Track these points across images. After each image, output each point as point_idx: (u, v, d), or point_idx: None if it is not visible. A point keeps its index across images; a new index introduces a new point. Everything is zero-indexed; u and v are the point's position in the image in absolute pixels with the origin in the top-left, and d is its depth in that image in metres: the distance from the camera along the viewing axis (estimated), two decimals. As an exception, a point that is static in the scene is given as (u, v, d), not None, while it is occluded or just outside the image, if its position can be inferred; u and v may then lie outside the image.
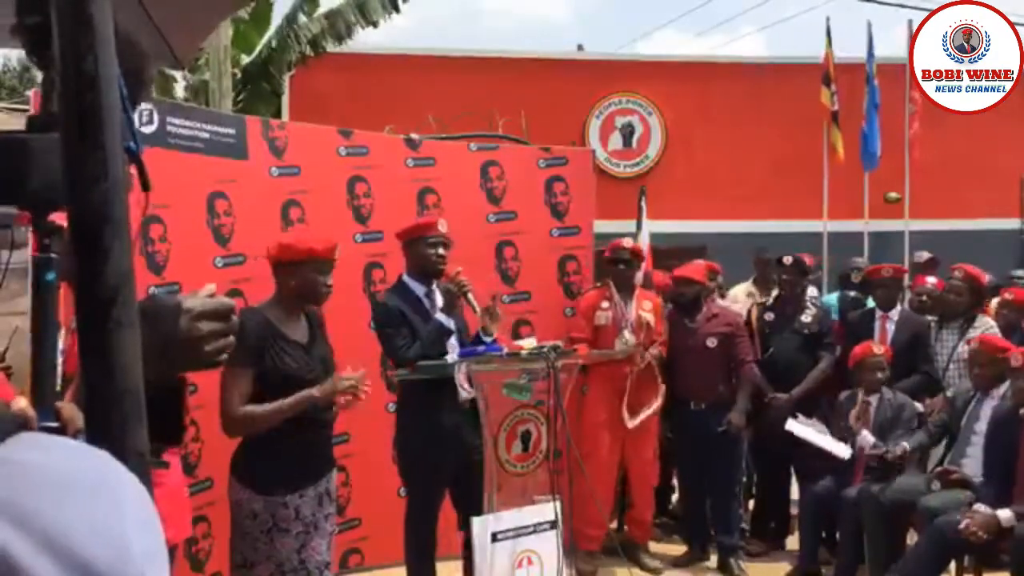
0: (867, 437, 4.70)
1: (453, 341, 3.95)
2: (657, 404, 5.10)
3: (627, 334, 5.04)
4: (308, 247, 3.19)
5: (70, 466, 0.54)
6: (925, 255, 6.82)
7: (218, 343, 1.14)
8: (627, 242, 5.23)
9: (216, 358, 1.15)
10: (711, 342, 5.18)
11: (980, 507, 4.11)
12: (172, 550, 2.93)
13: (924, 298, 5.63)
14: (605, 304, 5.11)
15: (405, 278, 4.03)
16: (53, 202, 0.90)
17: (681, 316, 5.29)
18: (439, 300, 3.98)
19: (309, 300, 3.23)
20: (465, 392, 3.71)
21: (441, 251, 3.96)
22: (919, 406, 4.97)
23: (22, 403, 1.33)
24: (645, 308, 5.15)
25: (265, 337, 3.07)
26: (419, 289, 3.99)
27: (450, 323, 3.88)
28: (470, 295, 3.89)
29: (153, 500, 0.60)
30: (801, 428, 4.90)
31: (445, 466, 3.87)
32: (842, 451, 4.72)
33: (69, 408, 0.97)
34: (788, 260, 5.53)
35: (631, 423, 5.00)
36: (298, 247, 3.19)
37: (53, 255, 0.95)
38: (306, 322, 3.24)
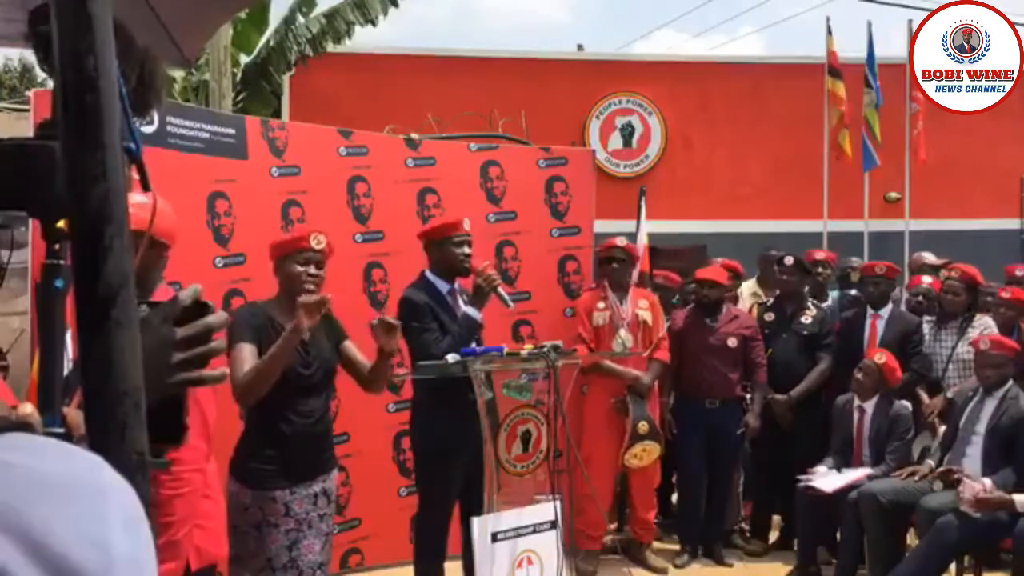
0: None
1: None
2: (659, 451, 5.11)
3: (623, 332, 5.05)
4: (282, 239, 3.23)
5: (56, 468, 0.53)
6: (934, 259, 6.49)
7: (194, 350, 1.01)
8: (620, 241, 5.24)
9: (191, 372, 1.01)
10: (732, 342, 5.23)
11: (988, 483, 4.12)
12: (214, 567, 2.92)
13: (920, 298, 5.62)
14: (601, 305, 5.13)
15: (428, 275, 3.99)
16: (62, 209, 0.90)
17: (701, 315, 5.32)
18: (460, 297, 4.00)
19: (296, 291, 3.15)
20: (487, 393, 3.68)
21: (467, 250, 3.96)
22: (906, 404, 4.97)
23: (28, 408, 1.33)
24: (641, 307, 5.18)
25: (262, 325, 3.09)
26: (443, 286, 3.96)
27: (479, 317, 3.89)
28: (500, 290, 3.91)
29: (148, 502, 0.59)
30: (822, 482, 4.78)
31: (459, 465, 3.85)
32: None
33: (75, 414, 0.97)
34: (789, 260, 5.53)
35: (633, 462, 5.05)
36: (276, 241, 3.25)
37: (61, 261, 0.95)
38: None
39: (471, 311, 3.87)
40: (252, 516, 3.05)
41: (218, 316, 1.05)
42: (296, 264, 3.16)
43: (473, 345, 3.81)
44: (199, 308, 1.05)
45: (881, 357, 4.90)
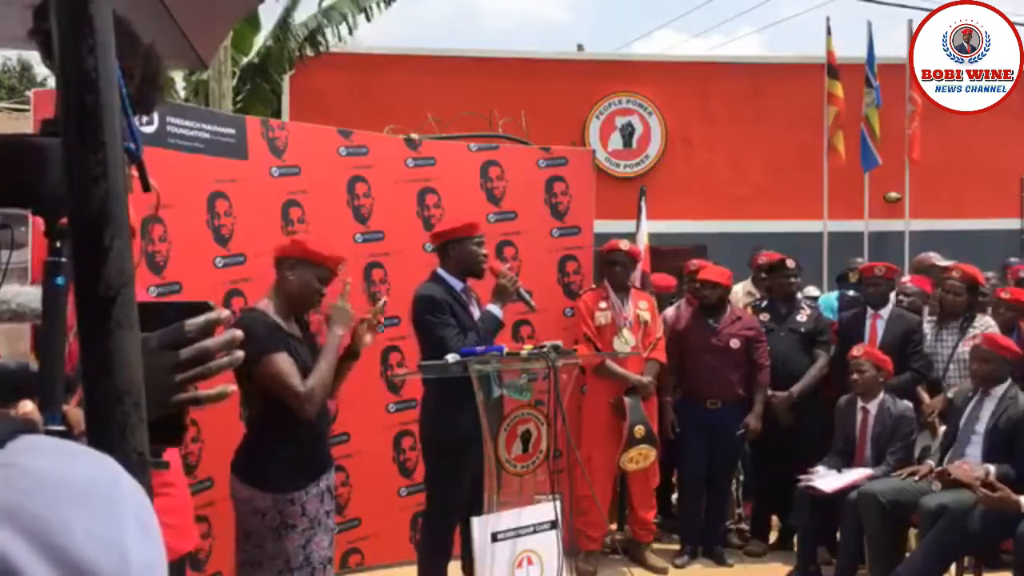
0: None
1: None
2: (656, 453, 5.10)
3: (626, 332, 5.07)
4: (318, 248, 3.18)
5: (71, 471, 0.53)
6: (942, 260, 6.34)
7: (193, 370, 1.00)
8: (624, 243, 5.25)
9: (187, 393, 1.00)
10: (735, 343, 5.24)
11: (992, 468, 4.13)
12: (182, 560, 2.92)
13: (912, 298, 5.59)
14: (603, 305, 5.14)
15: (442, 273, 4.01)
16: (65, 205, 0.90)
17: (704, 316, 5.33)
18: (472, 295, 4.03)
19: (301, 302, 3.18)
20: (490, 391, 3.69)
21: (485, 251, 4.06)
22: (910, 404, 4.97)
23: (28, 406, 1.33)
24: (641, 307, 5.20)
25: (277, 333, 3.08)
26: (457, 284, 3.99)
27: (501, 316, 3.93)
28: (522, 291, 3.94)
29: (152, 502, 0.59)
30: (822, 482, 4.76)
31: (468, 464, 3.84)
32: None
33: (75, 412, 0.97)
34: (791, 263, 5.57)
35: (629, 466, 5.05)
36: (308, 245, 3.19)
37: (63, 259, 0.95)
38: (296, 325, 3.24)
39: (495, 310, 3.91)
40: (271, 520, 3.04)
41: (217, 340, 1.03)
42: (316, 279, 3.16)
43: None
44: (201, 317, 1.04)
45: (859, 349, 4.94)
